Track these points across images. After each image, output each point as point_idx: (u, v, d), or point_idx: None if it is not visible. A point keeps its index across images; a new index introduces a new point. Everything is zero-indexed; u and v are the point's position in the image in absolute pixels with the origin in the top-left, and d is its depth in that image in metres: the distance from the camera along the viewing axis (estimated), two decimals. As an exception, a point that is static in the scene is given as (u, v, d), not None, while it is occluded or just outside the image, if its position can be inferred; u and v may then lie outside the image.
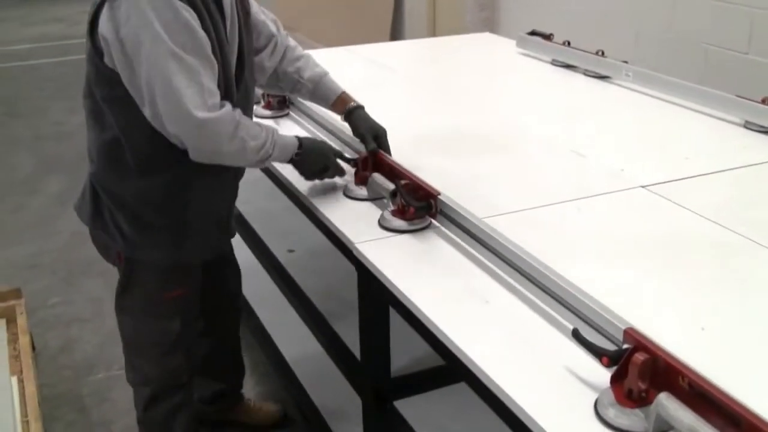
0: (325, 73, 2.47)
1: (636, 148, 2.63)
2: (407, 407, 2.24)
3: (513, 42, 3.90)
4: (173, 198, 2.13)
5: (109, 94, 1.99)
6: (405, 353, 2.26)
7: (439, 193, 2.02)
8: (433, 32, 7.06)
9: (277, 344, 3.09)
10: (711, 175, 2.36)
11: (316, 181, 2.30)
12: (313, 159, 2.24)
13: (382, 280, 1.86)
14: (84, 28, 1.99)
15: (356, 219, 2.14)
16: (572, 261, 1.82)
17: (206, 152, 2.00)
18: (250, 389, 3.22)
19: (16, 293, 3.51)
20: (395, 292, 1.80)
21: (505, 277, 1.79)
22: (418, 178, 2.10)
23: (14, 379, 3.04)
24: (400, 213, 2.05)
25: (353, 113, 2.41)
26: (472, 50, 4.06)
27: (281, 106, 2.94)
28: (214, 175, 2.16)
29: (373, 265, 1.90)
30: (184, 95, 1.87)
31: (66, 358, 3.53)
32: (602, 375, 1.41)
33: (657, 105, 3.02)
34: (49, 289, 4.09)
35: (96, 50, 1.96)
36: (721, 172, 2.38)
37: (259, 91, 2.72)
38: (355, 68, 3.62)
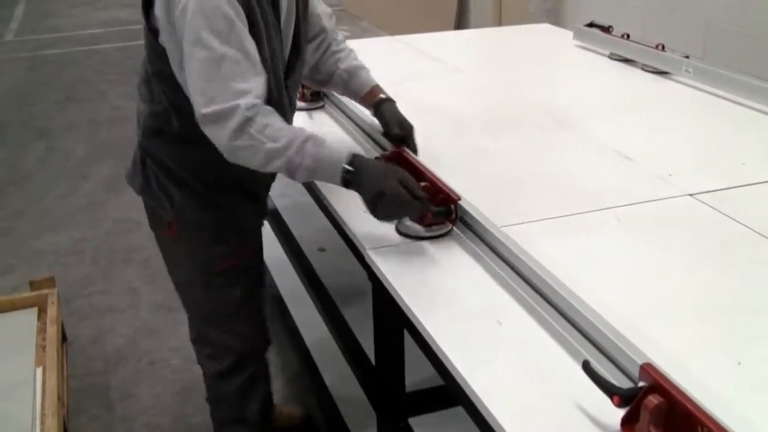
0: (363, 67, 2.36)
1: (688, 151, 2.43)
2: (423, 425, 2.10)
3: (571, 34, 3.71)
4: (212, 166, 2.04)
5: (162, 69, 1.97)
6: (424, 365, 2.11)
7: (459, 198, 1.86)
8: (498, 21, 6.90)
9: (308, 345, 2.97)
10: (768, 183, 2.15)
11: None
12: (369, 181, 1.83)
13: (389, 290, 1.71)
14: None
15: (374, 222, 1.99)
16: (601, 278, 1.65)
17: (220, 147, 1.88)
18: (278, 390, 3.11)
19: (50, 282, 3.45)
20: (400, 304, 1.65)
21: (523, 294, 1.63)
22: (440, 180, 1.93)
23: (39, 371, 2.98)
24: (418, 218, 1.89)
25: (382, 105, 2.29)
26: (528, 42, 3.88)
27: (315, 98, 2.82)
28: None
29: (383, 275, 1.75)
30: (202, 89, 1.83)
31: (97, 349, 3.47)
32: (615, 414, 1.24)
33: (717, 104, 2.80)
34: (89, 277, 4.05)
35: (150, 28, 1.94)
36: (780, 181, 2.16)
37: None
38: (404, 58, 3.49)
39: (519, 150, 2.44)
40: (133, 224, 4.54)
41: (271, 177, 2.24)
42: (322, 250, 3.02)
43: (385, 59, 3.55)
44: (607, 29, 3.51)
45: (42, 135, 6.13)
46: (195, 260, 2.22)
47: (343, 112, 2.65)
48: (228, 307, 2.28)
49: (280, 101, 2.01)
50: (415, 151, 2.18)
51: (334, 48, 2.35)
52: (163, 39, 1.91)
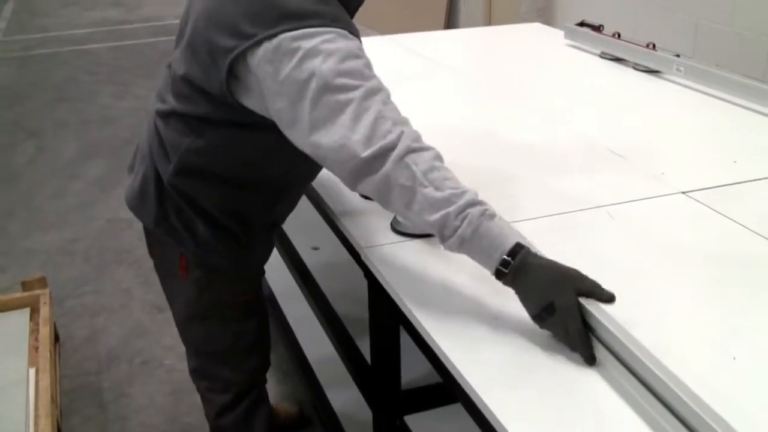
0: None
1: (680, 149, 2.44)
2: (419, 423, 2.10)
3: (562, 33, 3.72)
4: (256, 208, 1.97)
5: (227, 115, 1.73)
6: (419, 363, 2.12)
7: None
8: (488, 21, 6.90)
9: (301, 343, 2.98)
10: (760, 181, 2.16)
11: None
12: (534, 286, 1.46)
13: (385, 287, 1.72)
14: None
15: (369, 220, 2.00)
16: (593, 273, 1.66)
17: (371, 186, 1.54)
18: (272, 388, 3.10)
19: (42, 282, 3.45)
20: (396, 300, 1.66)
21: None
22: None
23: (32, 371, 2.98)
24: None
25: None
26: (518, 41, 3.88)
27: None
28: (300, 187, 2.07)
29: (379, 272, 1.76)
30: (347, 136, 1.52)
31: (89, 349, 3.47)
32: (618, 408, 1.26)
33: (709, 103, 2.82)
34: (81, 277, 4.05)
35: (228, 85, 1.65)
36: (771, 178, 2.18)
37: None
38: (397, 58, 3.50)
39: (511, 148, 2.44)
40: (124, 224, 4.53)
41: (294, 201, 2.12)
42: (315, 248, 3.02)
43: (377, 58, 3.55)
44: (597, 28, 3.52)
45: (32, 135, 6.11)
46: (209, 294, 2.07)
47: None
48: (241, 341, 2.17)
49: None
50: None
51: None
52: (255, 101, 1.65)
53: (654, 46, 3.17)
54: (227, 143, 1.80)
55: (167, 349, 3.40)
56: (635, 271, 1.73)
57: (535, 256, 1.47)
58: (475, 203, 1.48)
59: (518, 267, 1.44)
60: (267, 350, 2.32)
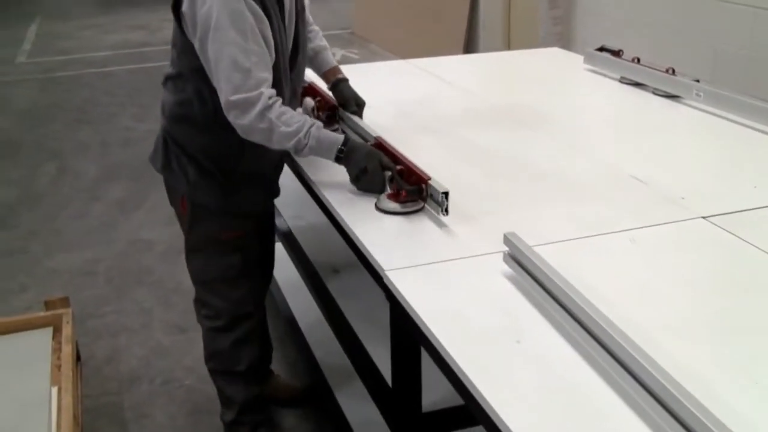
0: (326, 47, 2.83)
1: (701, 174, 2.45)
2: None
3: (581, 58, 3.75)
4: (228, 154, 2.42)
5: (191, 63, 2.29)
6: (440, 385, 2.13)
7: (430, 178, 2.14)
8: (507, 45, 6.92)
9: (321, 366, 2.99)
10: (781, 206, 2.17)
11: (352, 195, 2.33)
12: (356, 159, 2.28)
13: (408, 310, 1.74)
14: (164, 34, 2.18)
15: (389, 240, 2.03)
16: (615, 296, 1.68)
17: (240, 127, 2.23)
18: (291, 411, 3.14)
19: (64, 302, 3.47)
20: (419, 323, 1.68)
21: (551, 311, 1.66)
22: (413, 164, 2.23)
23: (55, 390, 3.00)
24: (394, 195, 2.19)
25: (339, 84, 2.78)
26: (539, 66, 3.91)
27: (330, 120, 2.85)
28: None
29: (401, 295, 1.78)
30: (229, 78, 2.17)
31: (111, 369, 3.49)
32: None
33: (729, 128, 2.83)
34: (102, 297, 4.07)
35: (179, 25, 2.28)
36: (792, 204, 2.18)
37: (309, 105, 2.88)
38: (418, 81, 3.53)
39: (532, 172, 2.46)
40: (144, 245, 4.57)
41: (280, 160, 2.61)
42: (336, 271, 3.04)
43: (398, 81, 3.59)
44: (617, 53, 3.54)
45: (54, 156, 6.17)
46: (202, 229, 2.55)
47: (358, 133, 2.68)
48: (228, 271, 2.59)
49: (284, 91, 2.37)
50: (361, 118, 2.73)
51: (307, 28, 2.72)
52: (190, 35, 2.24)
53: (674, 71, 3.19)
54: (199, 93, 2.33)
55: (188, 369, 3.41)
56: (656, 294, 1.75)
57: (354, 141, 2.33)
58: (311, 124, 2.25)
59: (348, 151, 2.28)
60: (250, 285, 2.69)
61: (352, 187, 2.33)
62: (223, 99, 2.20)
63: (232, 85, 2.17)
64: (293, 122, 2.24)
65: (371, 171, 2.26)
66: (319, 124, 2.32)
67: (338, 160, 2.30)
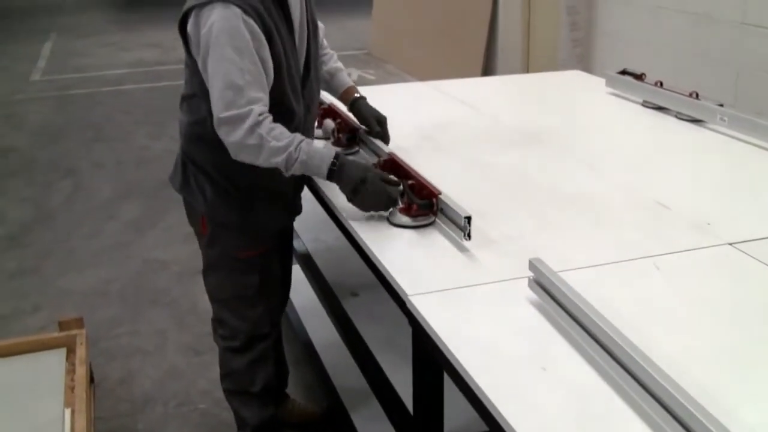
0: (341, 69, 2.83)
1: (726, 200, 2.41)
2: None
3: (603, 81, 3.71)
4: (242, 172, 2.37)
5: (202, 82, 2.29)
6: (461, 411, 2.09)
7: (440, 193, 2.17)
8: (526, 68, 6.88)
9: (339, 391, 2.95)
10: (811, 234, 2.13)
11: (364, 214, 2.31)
12: (349, 174, 2.25)
13: (431, 335, 1.71)
14: (178, 53, 2.25)
15: (412, 264, 2.00)
16: (640, 323, 1.64)
17: (230, 145, 2.24)
18: (307, 436, 3.10)
19: (79, 322, 3.44)
20: (442, 348, 1.65)
21: (577, 338, 1.62)
22: (423, 179, 2.24)
23: (68, 412, 2.96)
24: (405, 209, 2.22)
25: (357, 102, 2.76)
26: (559, 88, 3.88)
27: (351, 143, 2.82)
28: None
29: (424, 320, 1.75)
30: (221, 95, 2.18)
31: (124, 391, 3.46)
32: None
33: (754, 152, 2.79)
34: (116, 318, 4.04)
35: (187, 46, 2.31)
36: (823, 232, 2.13)
37: (329, 127, 2.87)
38: (437, 104, 3.50)
39: (555, 197, 2.43)
40: (159, 265, 4.54)
41: (300, 178, 2.52)
42: (354, 294, 3.00)
43: (416, 103, 3.56)
44: (639, 76, 3.50)
45: (68, 174, 6.16)
46: (220, 248, 2.55)
47: (379, 155, 2.65)
48: (245, 291, 2.58)
49: (297, 109, 2.39)
50: (387, 137, 2.71)
51: (321, 52, 2.74)
52: (195, 54, 2.27)
53: (697, 95, 3.15)
54: (211, 112, 2.26)
55: (203, 393, 3.37)
56: (681, 321, 1.71)
57: (346, 158, 2.30)
58: (301, 140, 2.24)
59: (339, 166, 2.25)
60: (268, 304, 2.67)
61: None
62: (214, 116, 2.22)
63: (224, 102, 2.18)
64: (283, 137, 2.23)
65: (370, 181, 2.23)
66: (311, 140, 2.31)
67: (330, 175, 2.26)
